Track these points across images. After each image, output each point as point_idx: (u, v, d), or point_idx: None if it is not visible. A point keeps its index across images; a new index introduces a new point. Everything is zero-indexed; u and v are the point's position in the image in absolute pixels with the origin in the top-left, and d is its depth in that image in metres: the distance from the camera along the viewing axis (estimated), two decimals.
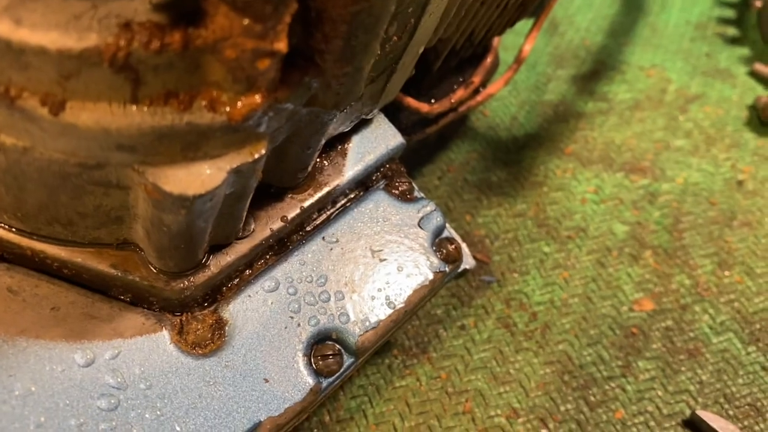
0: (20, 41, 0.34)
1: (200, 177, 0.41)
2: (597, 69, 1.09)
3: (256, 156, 0.43)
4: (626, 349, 0.76)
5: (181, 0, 0.36)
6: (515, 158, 0.94)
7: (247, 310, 0.53)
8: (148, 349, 0.50)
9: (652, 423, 0.70)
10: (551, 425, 0.69)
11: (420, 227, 0.61)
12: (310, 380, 0.52)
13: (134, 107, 0.38)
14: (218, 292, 0.54)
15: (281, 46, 0.37)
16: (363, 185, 0.63)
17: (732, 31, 1.19)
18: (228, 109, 0.40)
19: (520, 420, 0.70)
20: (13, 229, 0.50)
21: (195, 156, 0.42)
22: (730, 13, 1.23)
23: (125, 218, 0.48)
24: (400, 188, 0.63)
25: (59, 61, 0.35)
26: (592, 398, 0.72)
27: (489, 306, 0.78)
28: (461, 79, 0.82)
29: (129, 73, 0.36)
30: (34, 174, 0.42)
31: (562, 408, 0.71)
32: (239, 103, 0.40)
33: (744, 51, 1.15)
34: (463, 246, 0.65)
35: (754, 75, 1.10)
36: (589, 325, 0.78)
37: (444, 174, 0.92)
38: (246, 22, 0.35)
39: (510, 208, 0.88)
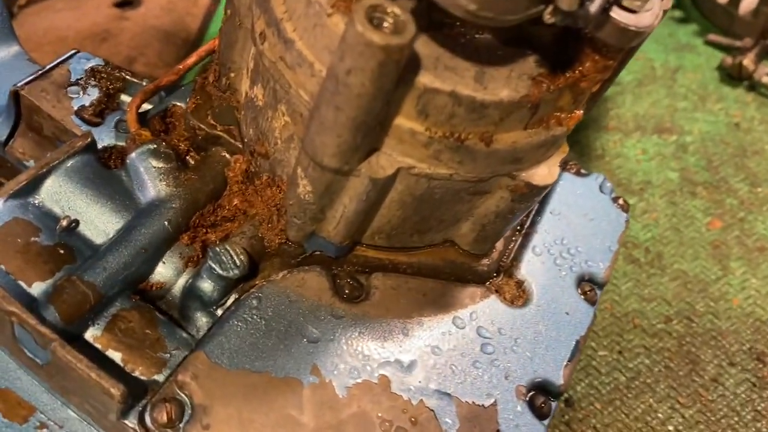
0: (487, 100, 0.54)
1: (551, 171, 0.62)
2: None
3: (567, 151, 0.65)
4: (718, 256, 1.02)
5: (558, 57, 0.57)
6: (574, 141, 1.19)
7: (531, 271, 0.74)
8: (490, 308, 0.69)
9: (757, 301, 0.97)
10: (694, 323, 0.94)
11: (602, 192, 0.84)
12: (589, 309, 0.73)
13: (527, 131, 0.58)
14: (501, 264, 0.74)
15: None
16: None
17: (678, 13, 1.51)
18: (566, 123, 0.61)
19: (674, 322, 0.94)
20: (376, 248, 0.68)
21: (543, 159, 0.62)
22: None
23: (461, 220, 0.67)
24: (574, 169, 0.86)
25: (503, 108, 0.55)
26: (709, 294, 0.97)
27: None
28: None
29: (533, 108, 0.57)
30: (437, 194, 0.61)
31: (698, 308, 0.96)
32: (571, 117, 0.61)
33: (693, 27, 1.47)
34: None
35: (710, 43, 1.42)
36: (686, 247, 1.04)
37: None
38: (606, 64, 0.57)
39: None
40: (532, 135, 0.59)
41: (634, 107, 1.26)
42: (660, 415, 0.84)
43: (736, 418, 0.85)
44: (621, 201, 0.85)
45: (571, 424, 0.83)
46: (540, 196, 0.64)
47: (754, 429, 0.84)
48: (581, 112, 0.61)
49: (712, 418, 0.84)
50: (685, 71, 1.35)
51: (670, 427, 0.83)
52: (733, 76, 1.34)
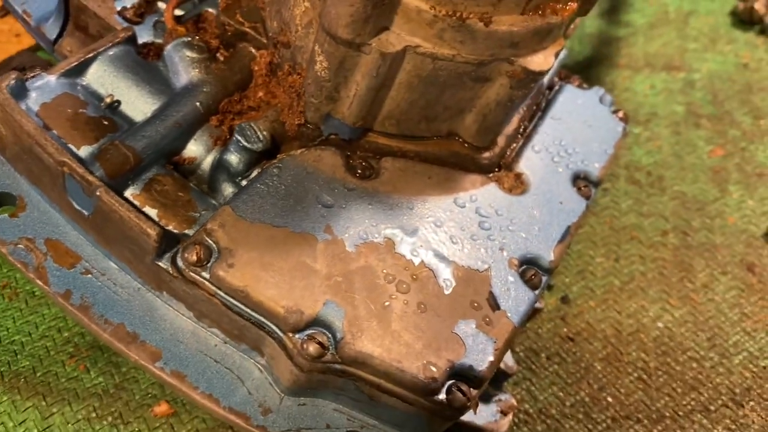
0: None
1: (546, 60, 0.68)
2: (614, 4, 1.41)
3: (564, 45, 0.70)
4: (717, 180, 1.07)
5: None
6: (587, 76, 1.24)
7: (530, 166, 0.80)
8: (489, 194, 0.76)
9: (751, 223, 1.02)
10: (690, 237, 0.99)
11: (601, 103, 0.90)
12: (582, 201, 0.79)
13: (522, 16, 0.64)
14: (503, 159, 0.80)
15: None
16: (551, 87, 0.91)
17: None
18: (561, 13, 0.67)
19: (670, 236, 0.99)
20: (387, 135, 0.74)
21: (539, 48, 0.68)
22: None
23: (465, 111, 0.73)
24: (577, 82, 0.92)
25: None
26: (706, 213, 1.02)
27: (617, 171, 1.08)
28: None
29: None
30: (441, 77, 0.67)
31: (694, 224, 1.01)
32: (566, 8, 0.67)
33: None
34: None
35: None
36: (686, 171, 1.09)
37: None
38: None
39: None
40: (528, 20, 0.65)
41: (645, 47, 1.31)
42: (651, 314, 0.90)
43: (723, 319, 0.90)
44: (621, 114, 0.91)
45: (566, 319, 0.89)
46: (536, 82, 0.70)
47: (739, 328, 0.89)
48: (576, 4, 0.67)
49: (701, 318, 0.90)
50: (698, 15, 1.39)
51: (660, 324, 0.89)
52: (745, 20, 1.37)
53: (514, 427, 0.79)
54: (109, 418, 0.80)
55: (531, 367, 0.84)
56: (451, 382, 0.63)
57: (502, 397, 0.76)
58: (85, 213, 0.66)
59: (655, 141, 1.13)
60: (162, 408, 0.80)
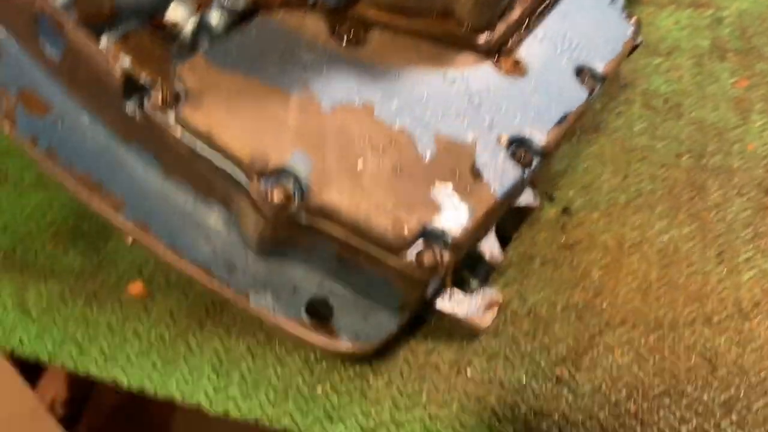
0: None
1: None
2: None
3: None
4: (739, 109, 1.01)
5: None
6: None
7: (531, 53, 0.76)
8: (484, 73, 0.72)
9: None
10: (704, 159, 0.94)
11: (612, 4, 0.85)
12: (584, 91, 0.75)
13: None
14: (505, 44, 0.76)
15: None
16: None
17: None
18: None
19: (684, 158, 0.94)
20: (377, 6, 0.71)
21: None
22: None
23: None
24: None
25: None
26: (724, 139, 0.97)
27: (632, 97, 1.03)
28: None
29: None
30: None
31: (710, 148, 0.95)
32: None
33: None
34: None
35: None
36: (707, 100, 1.03)
37: None
38: None
39: None
40: None
41: None
42: (656, 228, 0.85)
43: (734, 237, 0.84)
44: (634, 19, 0.86)
45: (565, 229, 0.84)
46: None
47: (752, 245, 0.83)
48: None
49: (710, 235, 0.84)
50: None
51: (665, 237, 0.84)
52: None
53: (500, 326, 0.75)
54: (84, 297, 0.78)
55: (523, 270, 0.80)
56: (422, 243, 0.60)
57: (487, 291, 0.72)
58: (57, 56, 0.64)
59: (675, 71, 1.08)
60: (137, 288, 0.78)
